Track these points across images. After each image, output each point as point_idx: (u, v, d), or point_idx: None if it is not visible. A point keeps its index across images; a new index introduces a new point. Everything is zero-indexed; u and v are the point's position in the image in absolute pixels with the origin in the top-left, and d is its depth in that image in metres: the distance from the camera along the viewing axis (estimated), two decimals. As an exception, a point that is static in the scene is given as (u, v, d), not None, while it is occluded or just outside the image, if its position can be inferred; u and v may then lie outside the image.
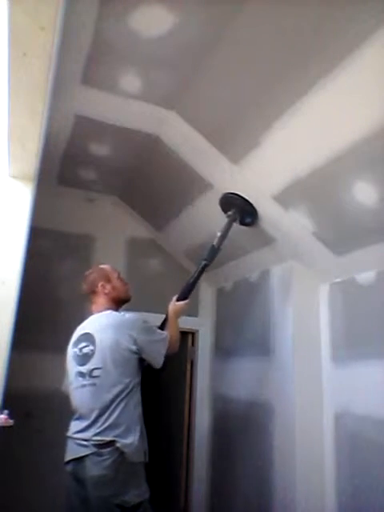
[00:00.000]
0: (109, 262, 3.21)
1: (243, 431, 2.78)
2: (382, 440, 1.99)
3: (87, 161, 2.78)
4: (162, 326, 2.30)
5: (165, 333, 2.13)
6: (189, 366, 3.33)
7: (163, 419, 3.55)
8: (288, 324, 2.49)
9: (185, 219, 2.97)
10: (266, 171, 2.15)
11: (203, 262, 2.41)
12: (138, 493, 1.82)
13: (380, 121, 1.55)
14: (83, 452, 1.84)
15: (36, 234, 2.35)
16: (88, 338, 2.02)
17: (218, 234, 2.45)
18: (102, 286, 2.14)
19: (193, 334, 3.38)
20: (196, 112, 2.12)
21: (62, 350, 2.74)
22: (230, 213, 2.45)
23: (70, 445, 1.93)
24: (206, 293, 3.49)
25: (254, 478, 2.60)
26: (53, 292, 3.06)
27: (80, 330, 2.12)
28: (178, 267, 3.45)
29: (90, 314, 2.16)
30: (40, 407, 2.80)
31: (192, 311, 3.28)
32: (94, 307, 2.16)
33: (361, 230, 2.05)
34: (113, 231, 3.33)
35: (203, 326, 3.39)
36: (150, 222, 3.34)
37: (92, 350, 1.97)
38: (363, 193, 1.86)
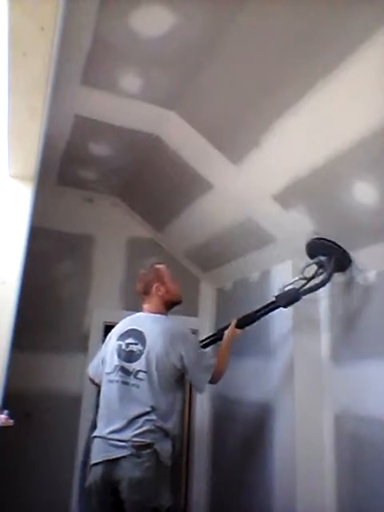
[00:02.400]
0: (109, 262, 3.25)
1: (243, 431, 2.78)
2: (382, 440, 1.99)
3: (87, 161, 2.78)
4: (208, 343, 2.32)
5: (213, 359, 2.09)
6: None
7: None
8: (288, 324, 2.49)
9: (185, 219, 2.97)
10: (266, 171, 2.15)
11: (276, 304, 2.28)
12: (168, 496, 1.83)
13: (380, 121, 1.55)
14: (120, 453, 1.80)
15: (36, 234, 2.35)
16: (138, 336, 1.99)
17: (303, 278, 2.25)
18: (157, 288, 2.13)
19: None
20: (196, 112, 2.12)
21: (62, 350, 2.73)
22: (321, 258, 2.21)
23: (101, 445, 1.87)
24: (206, 293, 3.49)
25: (254, 478, 2.60)
26: (53, 292, 3.06)
27: (128, 323, 2.10)
28: (178, 267, 3.45)
29: (139, 310, 2.16)
30: (40, 407, 2.80)
31: (192, 311, 3.28)
32: (146, 307, 2.14)
33: (361, 230, 2.05)
34: (113, 231, 3.33)
35: (203, 326, 3.39)
36: (149, 222, 3.34)
37: (140, 351, 1.95)
38: (363, 193, 1.86)
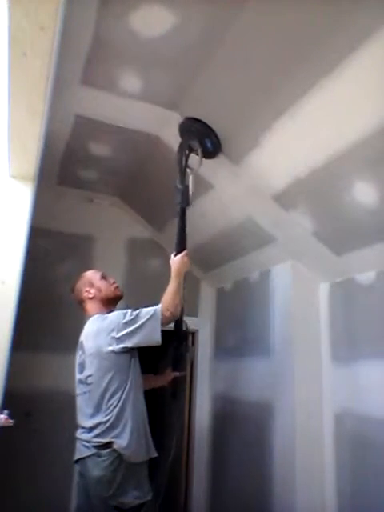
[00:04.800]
0: (109, 262, 3.25)
1: (243, 431, 2.78)
2: (382, 440, 1.99)
3: (87, 161, 2.78)
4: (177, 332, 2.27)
5: (151, 308, 1.99)
6: (189, 366, 3.33)
7: (163, 419, 3.54)
8: (288, 324, 2.49)
9: (185, 219, 2.97)
10: (266, 171, 2.15)
11: (179, 206, 2.20)
12: (138, 494, 1.82)
13: (380, 121, 1.55)
14: (85, 453, 1.88)
15: (36, 234, 2.35)
16: (81, 345, 2.05)
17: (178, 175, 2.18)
18: (87, 291, 2.14)
19: (193, 334, 3.38)
20: (196, 112, 2.12)
21: (62, 350, 2.74)
22: (191, 142, 2.16)
23: (77, 445, 1.97)
24: (205, 293, 3.49)
25: (253, 478, 2.60)
26: (53, 292, 3.06)
27: (80, 337, 2.14)
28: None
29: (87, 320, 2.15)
30: (40, 407, 2.80)
31: (192, 311, 3.28)
32: (87, 315, 2.16)
33: (361, 229, 2.05)
34: (113, 231, 3.33)
35: (203, 326, 3.39)
36: (149, 222, 3.34)
37: (84, 358, 2.00)
38: (363, 193, 1.86)
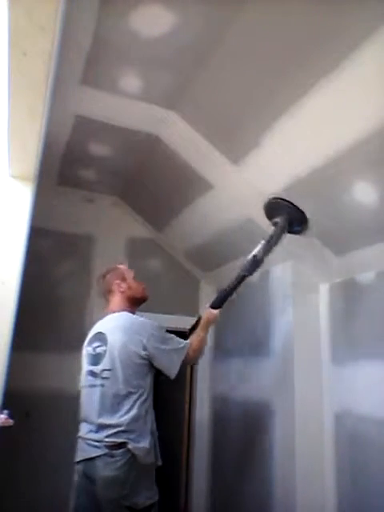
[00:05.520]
0: (109, 262, 3.23)
1: (243, 431, 2.78)
2: (382, 440, 1.99)
3: (87, 161, 2.78)
4: (192, 330, 2.26)
5: (184, 342, 2.05)
6: (189, 367, 3.33)
7: (163, 419, 3.54)
8: (288, 324, 2.49)
9: (185, 219, 2.97)
10: (266, 171, 2.15)
11: (242, 274, 2.19)
12: (148, 495, 1.82)
13: (380, 121, 1.55)
14: (95, 453, 1.83)
15: (36, 234, 2.35)
16: (101, 337, 2.00)
17: (262, 242, 2.19)
18: (118, 284, 2.13)
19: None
20: (196, 112, 2.12)
21: (62, 349, 2.74)
22: (277, 220, 2.18)
23: (81, 445, 1.92)
24: (205, 293, 3.49)
25: (254, 478, 2.60)
26: (53, 292, 3.06)
27: (95, 328, 2.11)
28: (178, 267, 3.45)
29: (106, 313, 2.14)
30: (40, 407, 2.80)
31: (192, 311, 3.28)
32: (110, 307, 2.14)
33: (361, 230, 2.05)
34: (113, 231, 3.33)
35: (203, 326, 3.38)
36: (150, 222, 3.34)
37: (104, 351, 1.95)
38: (363, 193, 1.86)
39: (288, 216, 2.15)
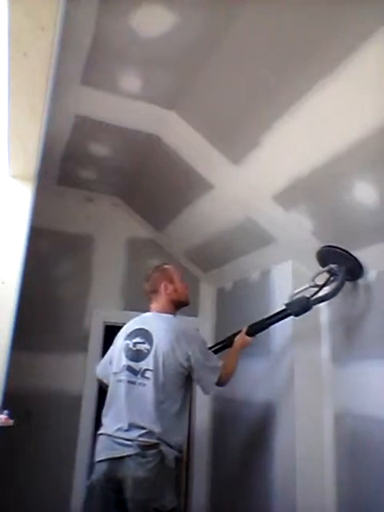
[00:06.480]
0: (109, 262, 3.25)
1: (243, 431, 2.78)
2: (382, 440, 1.99)
3: (87, 161, 2.78)
4: (218, 349, 2.29)
5: (221, 363, 2.07)
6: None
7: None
8: (288, 324, 2.49)
9: (185, 219, 2.97)
10: (266, 171, 2.15)
11: (287, 312, 2.22)
12: (172, 498, 1.81)
13: (380, 121, 1.55)
14: (126, 452, 1.79)
15: (36, 234, 2.35)
16: (145, 335, 1.99)
17: (311, 284, 2.20)
18: (165, 286, 2.12)
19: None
20: (196, 112, 2.12)
21: (62, 350, 2.73)
22: (333, 267, 2.18)
23: (107, 443, 1.87)
24: (206, 293, 3.49)
25: (254, 478, 2.60)
26: (53, 292, 3.06)
27: (135, 323, 2.09)
28: (178, 267, 3.45)
29: (147, 311, 2.16)
30: (40, 407, 2.80)
31: (192, 311, 3.28)
32: (153, 306, 2.13)
33: (361, 229, 2.05)
34: (113, 231, 3.33)
35: (203, 326, 3.39)
36: (150, 222, 3.34)
37: (148, 350, 1.94)
38: (363, 193, 1.86)
39: (346, 267, 2.15)
